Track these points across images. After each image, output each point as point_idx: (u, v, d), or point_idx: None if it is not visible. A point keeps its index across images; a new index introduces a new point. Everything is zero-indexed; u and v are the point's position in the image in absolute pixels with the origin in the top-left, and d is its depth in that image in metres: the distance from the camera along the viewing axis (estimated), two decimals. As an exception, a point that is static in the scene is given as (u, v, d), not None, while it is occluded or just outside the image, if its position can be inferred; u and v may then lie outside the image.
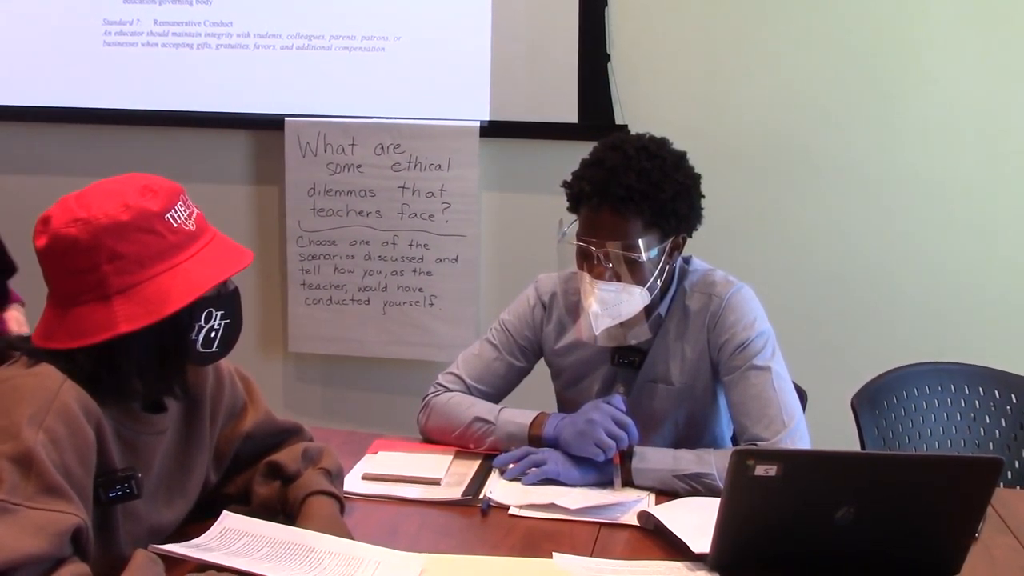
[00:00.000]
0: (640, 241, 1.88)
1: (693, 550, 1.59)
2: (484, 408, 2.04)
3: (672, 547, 1.64)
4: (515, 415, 2.01)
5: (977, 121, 3.10)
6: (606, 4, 3.21)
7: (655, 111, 3.19)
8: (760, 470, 1.47)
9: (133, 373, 1.43)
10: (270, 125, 3.43)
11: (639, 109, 3.20)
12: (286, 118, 3.39)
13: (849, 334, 3.23)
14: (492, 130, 3.32)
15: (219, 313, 1.48)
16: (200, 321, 1.45)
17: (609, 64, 3.23)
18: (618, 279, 1.90)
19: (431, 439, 2.09)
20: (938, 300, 3.18)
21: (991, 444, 2.38)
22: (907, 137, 3.14)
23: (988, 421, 2.40)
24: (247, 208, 3.56)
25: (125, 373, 1.42)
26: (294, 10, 3.41)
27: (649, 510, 1.74)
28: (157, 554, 1.41)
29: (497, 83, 3.30)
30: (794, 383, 2.00)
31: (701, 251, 2.13)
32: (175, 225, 1.42)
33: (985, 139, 3.10)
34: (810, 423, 1.95)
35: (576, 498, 1.81)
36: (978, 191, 3.13)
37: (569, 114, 3.25)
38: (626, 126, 3.13)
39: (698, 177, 1.95)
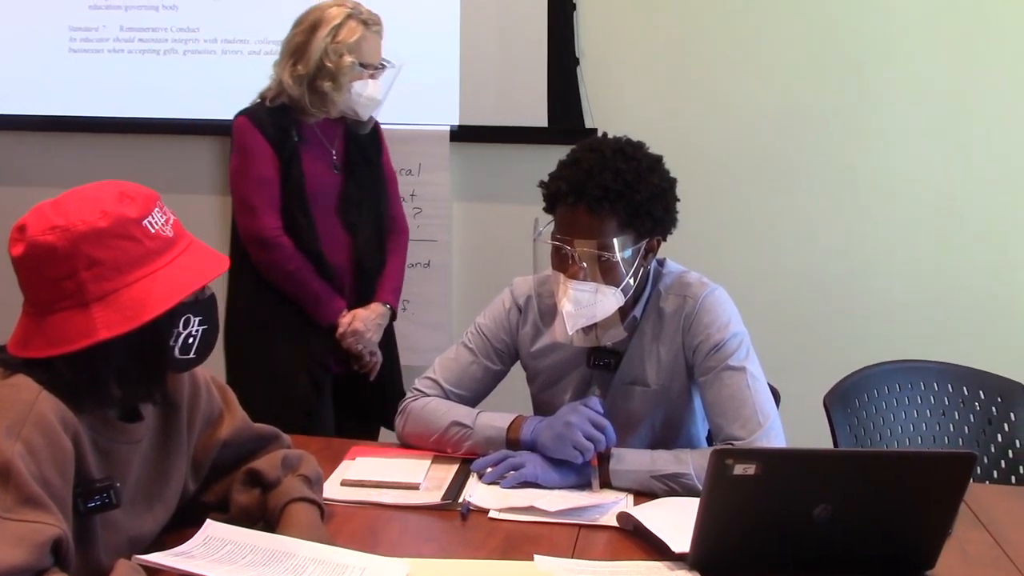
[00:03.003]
0: (615, 241, 1.88)
1: (673, 550, 1.60)
2: (461, 412, 2.04)
3: (652, 547, 1.65)
4: (493, 419, 2.01)
5: (948, 123, 3.15)
6: (574, 8, 3.22)
7: (625, 114, 3.21)
8: (739, 469, 1.49)
9: (113, 380, 1.42)
10: (239, 131, 3.41)
11: (609, 113, 3.22)
12: (255, 124, 3.36)
13: (820, 334, 3.27)
14: (462, 135, 3.32)
15: (197, 319, 1.47)
16: (178, 327, 1.45)
17: (578, 68, 3.24)
18: (592, 279, 1.91)
19: (409, 444, 2.09)
20: (906, 300, 3.22)
21: (960, 440, 2.42)
22: (878, 140, 3.18)
23: (957, 417, 2.44)
24: (217, 214, 3.53)
25: (104, 380, 1.41)
26: (261, 15, 3.40)
27: (628, 511, 1.75)
28: (140, 564, 1.40)
29: (467, 88, 3.31)
30: (768, 383, 2.02)
31: (675, 253, 2.14)
32: (152, 231, 1.41)
33: (956, 141, 3.15)
34: (784, 422, 1.97)
35: (555, 500, 1.82)
36: (947, 192, 3.17)
37: (539, 118, 3.27)
38: (596, 130, 3.15)
39: (674, 181, 1.96)
